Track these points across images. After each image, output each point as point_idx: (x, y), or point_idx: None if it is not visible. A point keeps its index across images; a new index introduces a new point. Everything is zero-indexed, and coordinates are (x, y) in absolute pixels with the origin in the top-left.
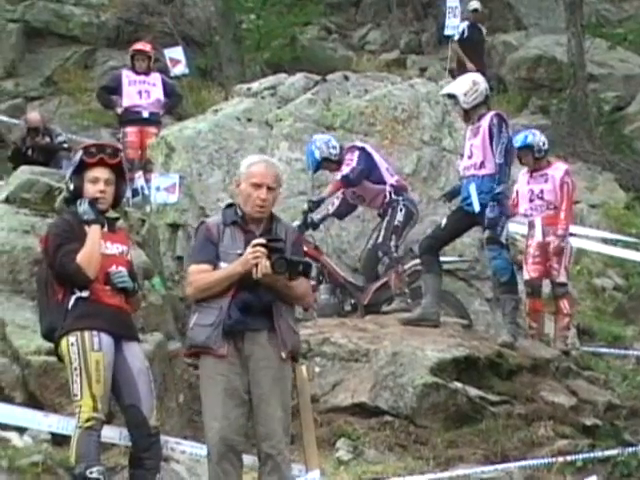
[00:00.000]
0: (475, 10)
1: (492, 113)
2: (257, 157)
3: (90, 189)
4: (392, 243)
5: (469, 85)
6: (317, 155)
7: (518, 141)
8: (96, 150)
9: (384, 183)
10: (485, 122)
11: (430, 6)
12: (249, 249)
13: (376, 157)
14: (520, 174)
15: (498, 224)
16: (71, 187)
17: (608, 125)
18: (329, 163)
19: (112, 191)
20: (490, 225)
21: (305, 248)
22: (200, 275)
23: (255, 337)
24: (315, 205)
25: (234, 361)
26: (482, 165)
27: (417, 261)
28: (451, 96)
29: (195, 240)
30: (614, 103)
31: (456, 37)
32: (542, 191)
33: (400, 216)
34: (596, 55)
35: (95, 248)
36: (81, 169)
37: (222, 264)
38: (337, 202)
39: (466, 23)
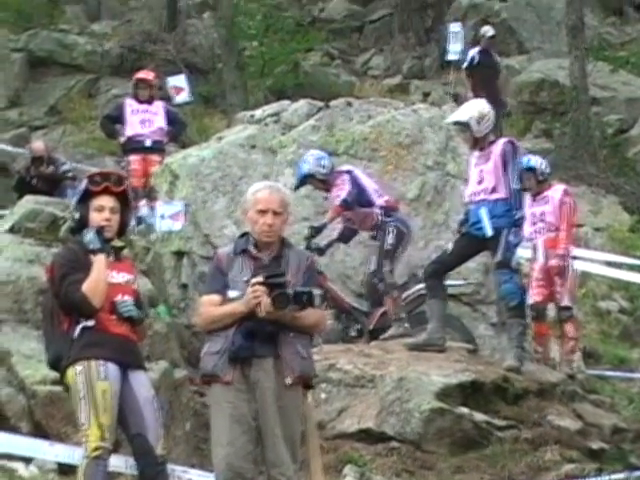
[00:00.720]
0: (492, 37)
1: (505, 140)
2: (262, 184)
3: (96, 218)
4: (386, 269)
5: (479, 113)
6: (304, 169)
7: (525, 162)
8: (101, 178)
9: (372, 205)
10: (497, 148)
11: (432, 31)
12: (249, 289)
13: (363, 180)
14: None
15: (514, 249)
16: (76, 216)
17: (611, 148)
18: (315, 181)
19: (118, 219)
20: (508, 249)
21: None
22: (208, 307)
23: (261, 363)
24: (316, 231)
25: (241, 387)
26: (494, 190)
27: (421, 286)
28: (460, 124)
29: (208, 271)
30: (617, 126)
31: (465, 64)
32: (543, 213)
33: (390, 238)
34: (599, 78)
35: (101, 277)
36: (86, 198)
37: (230, 292)
38: (340, 227)
39: (477, 49)
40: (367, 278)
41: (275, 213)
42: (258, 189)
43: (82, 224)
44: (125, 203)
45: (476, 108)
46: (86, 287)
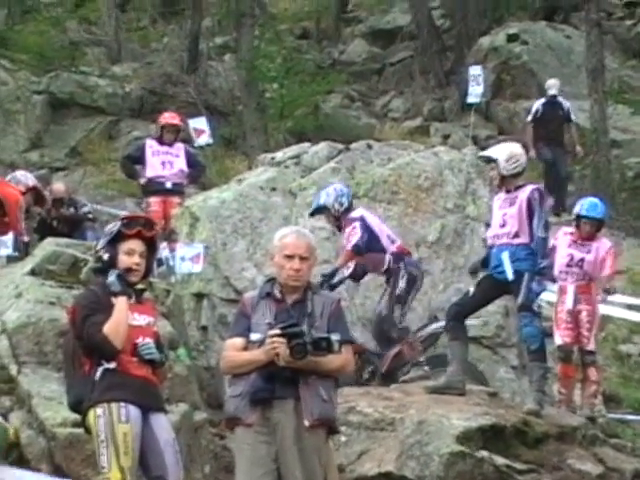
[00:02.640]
0: (554, 96)
1: (533, 187)
2: (289, 229)
3: (125, 260)
4: (396, 314)
5: (510, 152)
6: (322, 200)
7: (596, 211)
8: (134, 222)
9: (384, 251)
10: (524, 194)
11: (452, 73)
12: (267, 339)
13: (375, 225)
14: (560, 233)
15: (536, 295)
16: (105, 257)
17: (631, 191)
18: (329, 214)
19: (144, 264)
20: (530, 292)
21: None
22: (231, 352)
23: (282, 405)
24: (328, 278)
25: (261, 430)
26: (516, 235)
27: (435, 325)
28: (489, 160)
29: (234, 314)
30: (637, 169)
31: (529, 117)
32: (582, 260)
33: (402, 283)
34: (619, 121)
35: (122, 319)
36: (116, 240)
37: (252, 335)
38: (352, 265)
39: (541, 101)
40: (376, 321)
41: (302, 258)
42: (285, 234)
43: (110, 265)
44: (152, 247)
45: (508, 148)
46: (107, 329)
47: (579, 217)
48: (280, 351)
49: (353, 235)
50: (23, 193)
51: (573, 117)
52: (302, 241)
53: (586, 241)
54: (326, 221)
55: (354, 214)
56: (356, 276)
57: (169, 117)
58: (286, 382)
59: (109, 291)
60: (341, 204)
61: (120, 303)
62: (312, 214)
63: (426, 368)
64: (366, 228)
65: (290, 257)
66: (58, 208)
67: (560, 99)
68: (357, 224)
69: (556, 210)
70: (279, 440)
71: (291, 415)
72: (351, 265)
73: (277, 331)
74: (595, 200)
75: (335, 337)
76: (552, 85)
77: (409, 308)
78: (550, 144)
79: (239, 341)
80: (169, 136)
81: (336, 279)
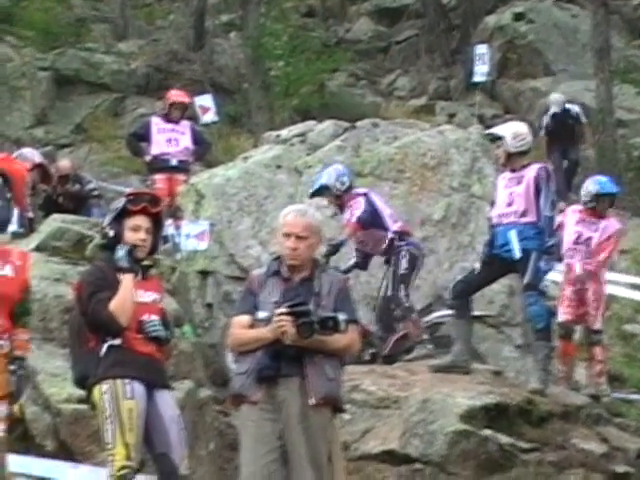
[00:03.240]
0: (554, 115)
1: (539, 165)
2: (291, 207)
3: (131, 237)
4: (402, 293)
5: (516, 130)
6: (323, 180)
7: (612, 186)
8: (139, 198)
9: (386, 230)
10: (531, 173)
11: (458, 52)
12: (274, 318)
13: (379, 203)
14: (569, 210)
15: (544, 274)
16: (111, 233)
17: (637, 170)
18: (330, 194)
19: (150, 240)
20: (537, 271)
21: None
22: (237, 329)
23: (287, 383)
24: (334, 248)
25: (266, 407)
26: (524, 214)
27: (439, 314)
28: (495, 138)
29: (240, 291)
30: None
31: (541, 132)
32: (590, 239)
33: (404, 263)
34: (624, 101)
35: (128, 296)
36: (122, 216)
37: (259, 313)
38: (355, 257)
39: (550, 113)
40: (381, 303)
41: (298, 237)
42: (287, 212)
43: (115, 242)
44: (158, 224)
45: (515, 126)
46: (113, 305)
47: (599, 196)
48: (287, 329)
49: (357, 208)
50: (29, 170)
51: (583, 119)
52: (300, 220)
53: (595, 218)
54: (327, 202)
55: (358, 190)
56: (361, 265)
57: (177, 95)
58: (292, 360)
59: (115, 267)
60: (342, 183)
61: (127, 280)
62: (312, 195)
63: (430, 346)
64: (369, 203)
65: (287, 235)
66: (63, 185)
67: (568, 106)
68: (360, 198)
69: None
70: (284, 418)
71: (296, 393)
72: (358, 252)
73: (284, 309)
74: (604, 178)
75: (342, 317)
76: (555, 102)
77: (412, 288)
78: (565, 152)
79: (245, 318)
80: (176, 113)
81: (344, 267)
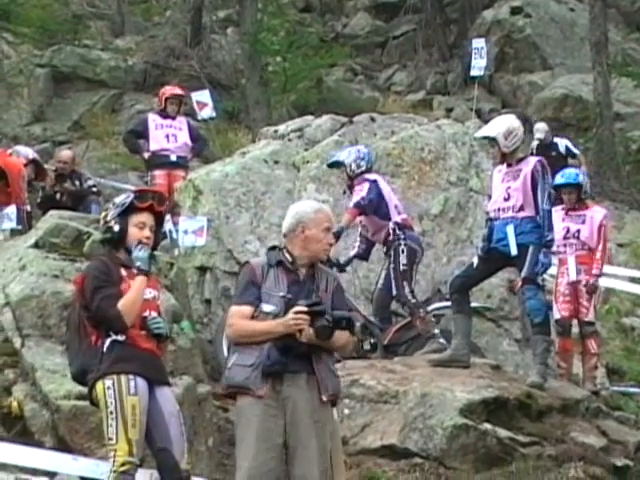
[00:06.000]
0: (540, 140)
1: (536, 159)
2: (316, 203)
3: (136, 234)
4: (406, 290)
5: (507, 128)
6: (342, 157)
7: (569, 177)
8: (147, 196)
9: (389, 219)
10: (527, 167)
11: (456, 47)
12: (290, 314)
13: (386, 192)
14: (554, 210)
15: (543, 268)
16: (116, 228)
17: (635, 164)
18: (344, 171)
19: (153, 237)
20: (535, 265)
21: None
22: (242, 320)
23: (294, 379)
24: (335, 236)
25: (271, 403)
26: (521, 208)
27: (439, 305)
28: (487, 138)
29: (239, 280)
30: None
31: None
32: (579, 231)
33: (403, 258)
34: (622, 94)
35: (138, 298)
36: (127, 212)
37: (264, 306)
38: (358, 243)
39: (535, 142)
40: (377, 295)
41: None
42: (317, 208)
43: (120, 237)
44: (160, 222)
45: (505, 123)
46: (122, 305)
47: (558, 187)
48: (304, 328)
49: (359, 193)
50: (24, 165)
51: (576, 151)
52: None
53: (577, 211)
54: (340, 177)
55: (368, 176)
56: (362, 254)
57: (171, 88)
58: (299, 356)
59: (120, 262)
60: (358, 166)
61: (141, 282)
62: (328, 166)
63: (442, 340)
64: (376, 191)
65: (327, 230)
66: (62, 182)
67: (555, 140)
68: (367, 184)
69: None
70: (290, 413)
71: (304, 389)
72: (357, 243)
73: (303, 308)
74: (570, 170)
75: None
76: (538, 129)
77: (415, 282)
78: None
79: (248, 310)
80: (173, 108)
81: (345, 259)
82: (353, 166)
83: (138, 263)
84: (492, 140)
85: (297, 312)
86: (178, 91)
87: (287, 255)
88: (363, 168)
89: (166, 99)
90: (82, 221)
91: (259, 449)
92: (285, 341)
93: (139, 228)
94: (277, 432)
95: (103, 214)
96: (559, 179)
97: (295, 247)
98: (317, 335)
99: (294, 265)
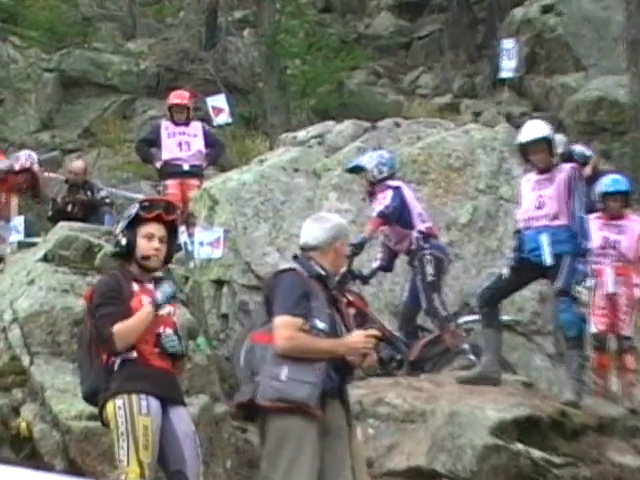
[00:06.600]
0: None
1: (569, 166)
2: (338, 217)
3: (144, 246)
4: (437, 302)
5: (547, 131)
6: (363, 161)
7: (619, 184)
8: (153, 205)
9: (412, 228)
10: (562, 174)
11: (484, 48)
12: (361, 336)
13: (409, 199)
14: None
15: (580, 278)
16: (123, 242)
17: None
18: (365, 176)
19: (165, 249)
20: (570, 276)
21: (351, 298)
22: (303, 335)
23: (333, 404)
24: (358, 247)
25: (320, 424)
26: (556, 216)
27: (468, 318)
28: (537, 141)
29: (286, 287)
30: None
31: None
32: (617, 242)
33: (430, 269)
34: None
35: (138, 328)
36: (135, 224)
37: (317, 322)
38: (381, 254)
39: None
40: (402, 309)
41: None
42: (344, 225)
43: (128, 250)
44: (173, 232)
45: (544, 125)
46: (118, 329)
47: (605, 195)
48: (370, 354)
49: (380, 202)
50: (17, 172)
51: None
52: None
53: (616, 220)
54: (362, 183)
55: (391, 183)
56: (386, 266)
57: (176, 95)
58: (342, 381)
59: (131, 276)
60: (380, 172)
61: (147, 314)
62: (348, 171)
63: (471, 356)
64: (399, 199)
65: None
66: (74, 193)
67: (572, 147)
68: (390, 192)
69: None
70: (328, 437)
71: (339, 412)
72: (380, 254)
73: (377, 333)
74: (616, 175)
75: None
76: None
77: (443, 291)
78: None
79: (301, 322)
80: (179, 116)
81: (368, 271)
82: (375, 172)
83: (158, 294)
84: (541, 142)
85: (370, 336)
86: (180, 100)
87: (321, 269)
88: (385, 174)
89: (169, 108)
90: (93, 233)
91: (314, 471)
92: (337, 362)
93: (148, 239)
94: (319, 455)
95: (115, 226)
96: (608, 186)
97: (326, 261)
98: (380, 363)
99: (330, 280)
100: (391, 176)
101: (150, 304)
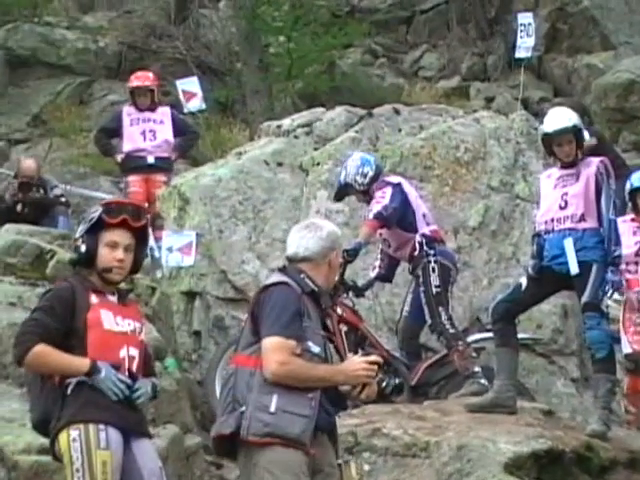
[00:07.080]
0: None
1: (598, 160)
2: (332, 224)
3: (106, 255)
4: (443, 317)
5: (576, 120)
6: (341, 177)
7: None
8: (119, 209)
9: (415, 231)
10: (589, 168)
11: (497, 23)
12: (362, 364)
13: (412, 198)
14: (620, 221)
15: (611, 289)
16: (82, 248)
17: None
18: (354, 191)
19: (131, 259)
20: (599, 288)
21: (341, 312)
22: (297, 360)
23: (322, 438)
24: (352, 254)
25: (310, 461)
26: (582, 218)
27: (481, 336)
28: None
29: (277, 304)
30: None
31: None
32: None
33: (435, 279)
34: None
35: (57, 369)
36: (97, 228)
37: (311, 345)
38: (378, 262)
39: None
40: (402, 325)
41: None
42: (338, 232)
43: (88, 258)
44: (142, 239)
45: (572, 113)
46: (41, 351)
47: (634, 192)
48: (371, 383)
49: (379, 202)
50: None
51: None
52: None
53: None
54: (356, 199)
55: (388, 178)
56: (384, 276)
57: (136, 77)
58: (332, 415)
59: (90, 286)
60: (364, 175)
61: (79, 365)
62: (336, 199)
63: (482, 381)
64: (400, 198)
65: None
66: (26, 192)
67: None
68: (388, 189)
69: None
70: (316, 475)
71: (328, 448)
72: (377, 262)
73: (379, 359)
74: None
75: None
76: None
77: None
78: None
79: (294, 345)
80: (143, 100)
81: (364, 282)
82: (359, 179)
83: (139, 398)
84: (569, 132)
85: (372, 362)
86: (138, 83)
87: (313, 284)
88: (371, 173)
89: (131, 92)
90: (45, 237)
91: None
92: (332, 395)
93: (110, 248)
94: None
95: (75, 229)
96: (636, 182)
97: (319, 275)
98: (382, 393)
99: (324, 298)
100: (378, 173)
101: (89, 362)
